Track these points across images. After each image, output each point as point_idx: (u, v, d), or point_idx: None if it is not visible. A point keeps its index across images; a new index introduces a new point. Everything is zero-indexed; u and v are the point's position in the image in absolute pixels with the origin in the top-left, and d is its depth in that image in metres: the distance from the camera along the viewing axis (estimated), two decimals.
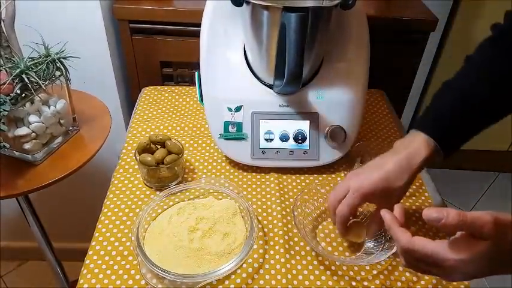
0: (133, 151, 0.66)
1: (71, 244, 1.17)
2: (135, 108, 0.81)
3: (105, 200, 0.61)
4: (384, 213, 0.42)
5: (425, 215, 0.35)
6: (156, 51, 0.90)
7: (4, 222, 1.23)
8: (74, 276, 0.73)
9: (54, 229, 0.96)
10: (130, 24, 0.86)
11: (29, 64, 0.59)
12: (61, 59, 0.61)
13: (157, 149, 0.64)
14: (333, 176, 0.67)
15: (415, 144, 0.50)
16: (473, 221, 0.34)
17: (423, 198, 0.64)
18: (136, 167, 0.66)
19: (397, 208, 0.43)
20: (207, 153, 0.70)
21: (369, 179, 0.50)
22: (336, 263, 0.53)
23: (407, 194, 0.64)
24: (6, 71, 0.60)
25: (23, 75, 0.57)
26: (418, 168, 0.50)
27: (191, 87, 0.86)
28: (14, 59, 0.61)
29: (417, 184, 0.66)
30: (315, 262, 0.53)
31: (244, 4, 0.58)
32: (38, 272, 1.30)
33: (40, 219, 0.86)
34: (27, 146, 0.62)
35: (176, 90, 0.85)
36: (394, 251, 0.50)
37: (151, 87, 0.86)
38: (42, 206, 0.89)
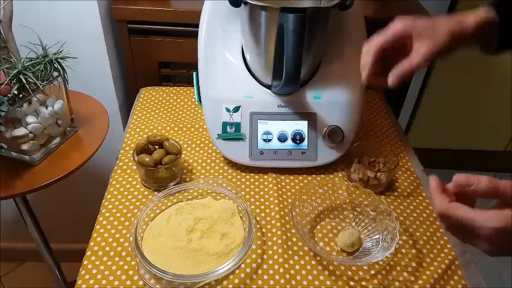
0: (132, 151, 0.66)
1: (69, 245, 1.17)
2: (133, 109, 0.81)
3: (103, 200, 0.61)
4: (431, 178, 0.40)
5: (456, 181, 0.35)
6: (154, 51, 0.90)
7: (2, 223, 1.23)
8: (72, 277, 0.73)
9: (52, 230, 0.96)
10: (129, 25, 0.86)
11: (26, 65, 0.59)
12: (59, 60, 0.61)
13: (155, 149, 0.64)
14: (331, 176, 0.67)
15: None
16: (505, 188, 0.34)
17: (420, 198, 0.64)
18: (134, 167, 0.66)
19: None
20: (206, 154, 0.70)
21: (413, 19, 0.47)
22: (334, 262, 0.53)
23: (405, 194, 0.64)
24: (3, 71, 0.60)
25: (21, 76, 0.57)
26: (469, 27, 0.45)
27: (189, 87, 0.86)
28: (11, 60, 0.61)
29: (414, 184, 0.66)
30: (313, 262, 0.53)
31: (242, 5, 0.58)
32: (36, 273, 1.30)
33: (38, 220, 0.85)
34: (24, 147, 0.62)
35: (174, 91, 0.85)
36: (391, 250, 0.50)
37: (149, 87, 0.86)
38: (40, 207, 0.89)
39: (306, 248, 0.55)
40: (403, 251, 0.55)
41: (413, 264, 0.53)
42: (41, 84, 0.58)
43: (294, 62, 0.55)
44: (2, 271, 1.32)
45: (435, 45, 0.45)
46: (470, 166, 1.65)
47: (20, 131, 0.61)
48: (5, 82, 0.56)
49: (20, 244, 1.28)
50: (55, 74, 0.63)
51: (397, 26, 0.47)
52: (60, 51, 0.62)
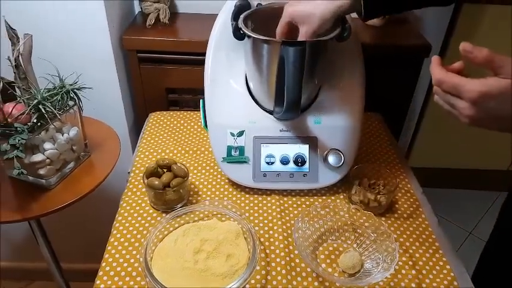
0: (141, 175, 0.69)
1: (78, 265, 1.19)
2: (142, 133, 0.85)
3: (114, 222, 0.64)
4: (434, 56, 0.45)
5: (462, 46, 0.40)
6: (162, 78, 0.95)
7: (12, 243, 1.25)
8: None
9: (61, 250, 0.98)
10: (138, 54, 0.91)
11: (45, 95, 0.63)
12: (75, 90, 0.65)
13: (164, 172, 0.67)
14: (333, 198, 0.69)
15: None
16: (501, 58, 0.38)
17: (420, 219, 0.65)
18: (143, 189, 0.69)
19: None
20: (211, 176, 0.73)
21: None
22: (336, 284, 0.55)
23: (405, 215, 0.66)
24: (23, 101, 0.64)
25: (40, 106, 0.61)
26: (339, 7, 0.55)
27: (195, 112, 0.90)
28: (31, 90, 0.65)
29: (414, 206, 0.68)
30: (316, 283, 0.55)
31: (246, 38, 0.63)
32: None
33: (49, 240, 0.88)
34: (42, 172, 0.66)
35: (181, 115, 0.89)
36: (391, 271, 0.52)
37: (158, 112, 0.90)
38: (51, 227, 0.92)
39: (308, 269, 0.57)
40: (403, 271, 0.57)
41: (413, 285, 0.55)
42: (58, 113, 0.62)
43: (295, 90, 0.58)
44: None
45: (311, 29, 0.56)
46: (473, 185, 1.65)
47: (38, 157, 0.64)
48: (26, 112, 0.60)
49: (29, 264, 1.30)
50: (71, 103, 0.67)
51: (285, 17, 0.59)
52: (76, 82, 0.67)
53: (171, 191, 0.64)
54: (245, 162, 0.68)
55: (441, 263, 0.58)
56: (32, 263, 1.29)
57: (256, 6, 0.67)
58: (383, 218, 0.65)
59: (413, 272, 0.57)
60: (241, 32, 0.61)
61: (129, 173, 0.75)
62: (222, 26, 0.69)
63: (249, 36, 0.61)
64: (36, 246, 0.87)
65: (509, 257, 0.67)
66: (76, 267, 1.16)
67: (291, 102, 0.59)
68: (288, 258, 0.58)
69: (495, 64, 0.39)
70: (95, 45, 0.88)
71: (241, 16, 0.63)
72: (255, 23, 0.65)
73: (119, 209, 0.66)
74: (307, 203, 0.68)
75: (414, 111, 1.42)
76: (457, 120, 0.44)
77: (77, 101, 0.67)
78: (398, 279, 0.56)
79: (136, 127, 1.06)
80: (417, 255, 0.59)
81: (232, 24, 0.63)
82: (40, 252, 0.88)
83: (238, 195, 0.69)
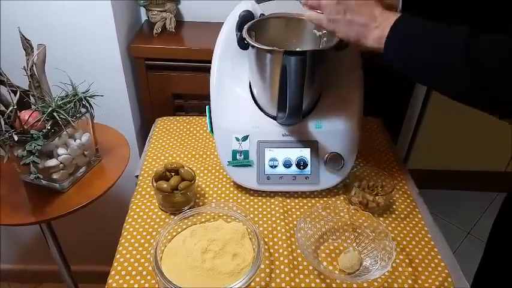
0: (150, 178, 0.72)
1: (87, 267, 1.22)
2: (149, 138, 0.88)
3: (125, 224, 0.67)
4: None
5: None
6: (168, 84, 0.98)
7: (21, 245, 1.28)
8: None
9: (71, 252, 1.01)
10: (146, 62, 0.94)
11: (59, 103, 0.66)
12: (87, 98, 0.68)
13: (172, 176, 0.70)
14: (333, 199, 0.72)
15: None
16: None
17: (416, 219, 0.68)
18: (152, 192, 0.72)
19: None
20: (217, 179, 0.76)
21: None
22: (337, 280, 0.58)
23: (402, 216, 0.69)
24: (38, 109, 0.67)
25: (54, 113, 0.65)
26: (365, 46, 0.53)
27: (201, 117, 0.93)
28: (45, 99, 0.68)
29: (411, 207, 0.71)
30: (317, 280, 0.58)
31: (250, 47, 0.66)
32: None
33: (59, 242, 0.91)
34: (55, 176, 0.69)
35: (187, 120, 0.92)
36: (388, 268, 0.55)
37: (165, 117, 0.93)
38: (61, 229, 0.95)
39: (310, 267, 0.59)
40: (400, 269, 0.60)
41: (410, 282, 0.58)
42: (71, 120, 0.65)
43: (296, 97, 0.61)
44: None
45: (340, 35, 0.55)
46: (471, 186, 1.67)
47: (52, 162, 0.68)
48: (42, 119, 0.63)
49: (38, 266, 1.33)
50: (83, 110, 0.71)
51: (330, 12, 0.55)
52: (88, 90, 0.70)
53: (179, 194, 0.66)
54: (249, 165, 0.71)
55: (436, 261, 0.61)
56: (40, 265, 1.32)
57: (260, 16, 0.70)
58: (381, 218, 0.68)
59: (410, 269, 0.60)
60: (245, 42, 0.65)
61: (137, 176, 0.78)
62: (226, 35, 0.72)
63: (252, 46, 0.64)
64: (45, 248, 0.90)
65: (510, 258, 0.68)
66: (85, 269, 1.19)
67: (292, 108, 0.62)
68: (291, 257, 0.61)
69: None
70: (104, 53, 0.91)
71: (245, 27, 0.66)
72: (258, 33, 0.68)
73: (129, 211, 0.69)
74: (309, 204, 0.71)
75: (413, 114, 1.45)
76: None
77: (89, 108, 0.70)
78: (396, 276, 0.58)
79: (143, 132, 1.09)
80: (413, 253, 0.62)
81: (236, 34, 0.66)
82: (50, 254, 0.90)
83: (243, 197, 0.72)
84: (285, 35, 0.71)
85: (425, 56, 0.47)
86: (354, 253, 0.60)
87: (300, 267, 0.60)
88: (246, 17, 0.69)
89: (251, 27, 0.67)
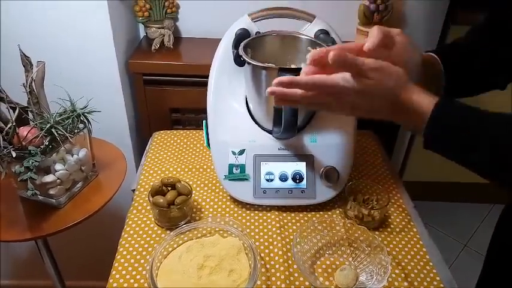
0: (146, 192, 0.72)
1: (81, 282, 1.20)
2: (146, 151, 0.88)
3: (120, 239, 0.67)
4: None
5: (311, 55, 0.45)
6: (166, 99, 0.99)
7: (16, 261, 1.27)
8: None
9: (65, 267, 1.00)
10: (144, 77, 0.96)
11: (57, 119, 0.67)
12: (85, 114, 0.69)
13: (168, 190, 0.70)
14: (329, 213, 0.73)
15: None
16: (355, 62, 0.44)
17: (411, 233, 0.69)
18: (148, 207, 0.72)
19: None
20: (213, 193, 0.76)
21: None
22: None
23: (397, 229, 0.69)
24: (36, 125, 0.68)
25: (52, 130, 0.65)
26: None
27: (198, 130, 0.94)
28: (44, 115, 0.69)
29: (406, 220, 0.71)
30: None
31: (246, 64, 0.67)
32: None
33: (55, 258, 0.90)
34: (52, 191, 0.69)
35: (184, 134, 0.92)
36: (384, 283, 0.55)
37: (162, 131, 0.93)
38: (56, 245, 0.94)
39: (307, 283, 0.59)
40: (396, 283, 0.60)
41: None
42: (69, 136, 0.66)
43: (291, 113, 0.63)
44: None
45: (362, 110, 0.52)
46: (467, 198, 1.68)
47: (49, 178, 0.68)
48: (40, 136, 0.64)
49: (31, 281, 1.31)
50: (81, 126, 0.71)
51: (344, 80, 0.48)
52: (86, 107, 0.71)
53: (175, 209, 0.67)
54: (246, 179, 0.72)
55: (431, 275, 0.61)
56: (35, 280, 1.30)
57: (255, 34, 0.72)
58: (376, 232, 0.68)
59: (406, 283, 0.60)
60: (242, 59, 0.66)
61: (133, 190, 0.78)
62: (223, 51, 0.74)
63: (248, 63, 0.66)
64: (40, 263, 0.89)
65: (510, 270, 0.67)
66: (80, 285, 1.18)
67: (288, 123, 0.63)
68: (287, 273, 0.61)
69: (351, 65, 0.44)
70: (103, 69, 0.92)
71: (242, 44, 0.68)
72: (254, 50, 0.70)
73: (125, 226, 0.69)
74: (305, 218, 0.71)
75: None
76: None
77: (86, 124, 0.71)
78: None
79: (140, 145, 1.09)
80: (409, 267, 0.62)
81: (233, 52, 0.68)
82: (45, 269, 0.90)
83: (239, 212, 0.72)
84: (281, 51, 0.72)
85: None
86: (349, 270, 0.60)
87: (297, 282, 0.60)
88: (243, 35, 0.70)
89: (247, 45, 0.69)
